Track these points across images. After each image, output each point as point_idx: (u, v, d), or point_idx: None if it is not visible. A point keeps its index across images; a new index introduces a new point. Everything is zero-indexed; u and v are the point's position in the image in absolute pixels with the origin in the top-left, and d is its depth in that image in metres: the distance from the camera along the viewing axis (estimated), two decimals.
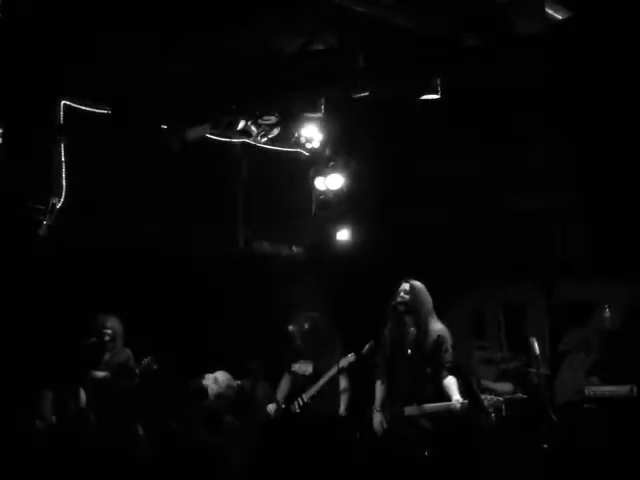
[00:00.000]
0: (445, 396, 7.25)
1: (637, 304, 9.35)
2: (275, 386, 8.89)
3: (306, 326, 8.68)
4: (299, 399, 8.53)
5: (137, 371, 7.98)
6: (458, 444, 7.53)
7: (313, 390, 8.43)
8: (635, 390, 8.11)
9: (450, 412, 7.18)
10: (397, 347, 7.55)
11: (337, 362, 8.32)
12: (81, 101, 8.49)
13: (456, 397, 7.16)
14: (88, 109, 8.50)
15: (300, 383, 8.63)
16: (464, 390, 7.46)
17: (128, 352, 8.15)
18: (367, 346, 7.98)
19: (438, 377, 7.34)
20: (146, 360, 7.94)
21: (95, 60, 7.96)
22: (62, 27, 7.59)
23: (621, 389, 8.16)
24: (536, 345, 8.27)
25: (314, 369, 8.56)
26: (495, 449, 7.82)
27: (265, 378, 8.89)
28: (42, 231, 8.25)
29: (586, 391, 8.28)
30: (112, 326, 8.12)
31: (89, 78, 8.27)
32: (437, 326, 7.48)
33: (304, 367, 8.66)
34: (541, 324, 9.80)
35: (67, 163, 8.39)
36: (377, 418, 7.49)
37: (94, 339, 7.99)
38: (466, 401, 7.14)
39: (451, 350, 7.40)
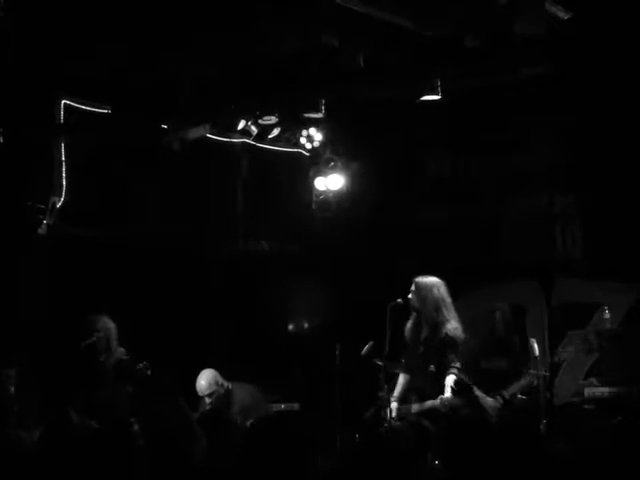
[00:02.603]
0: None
1: (637, 305, 9.35)
2: (270, 385, 8.84)
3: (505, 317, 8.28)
4: (498, 396, 7.84)
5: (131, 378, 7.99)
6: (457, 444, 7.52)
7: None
8: (634, 391, 8.11)
9: (436, 409, 7.23)
10: (412, 344, 7.63)
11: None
12: (81, 101, 8.49)
13: (443, 396, 7.20)
14: (88, 109, 8.50)
15: (495, 380, 7.96)
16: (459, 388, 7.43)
17: (122, 351, 8.14)
18: (367, 347, 7.97)
19: (442, 376, 7.32)
20: (141, 365, 7.92)
21: (95, 59, 7.97)
22: (62, 26, 7.58)
23: (620, 390, 8.16)
24: (535, 346, 8.25)
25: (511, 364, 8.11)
26: (495, 450, 7.81)
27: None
28: (42, 230, 8.25)
29: (585, 392, 8.28)
30: (106, 327, 8.10)
31: (89, 77, 8.27)
32: (448, 325, 7.45)
33: (498, 362, 8.10)
34: (541, 325, 9.79)
35: (67, 163, 8.40)
36: (392, 406, 7.50)
37: (93, 339, 7.98)
38: (447, 397, 7.17)
39: (458, 351, 7.39)
